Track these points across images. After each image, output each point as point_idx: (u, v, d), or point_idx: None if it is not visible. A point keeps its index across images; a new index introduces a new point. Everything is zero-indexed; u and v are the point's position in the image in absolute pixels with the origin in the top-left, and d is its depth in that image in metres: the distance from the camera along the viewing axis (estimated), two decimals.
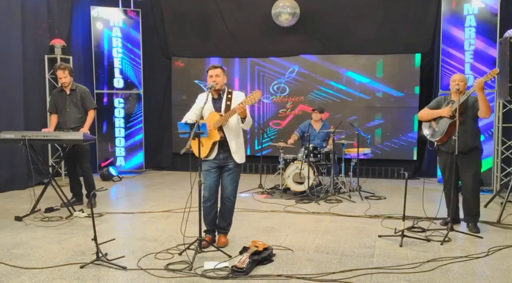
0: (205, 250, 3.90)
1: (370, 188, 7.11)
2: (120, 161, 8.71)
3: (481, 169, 4.79)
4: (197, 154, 3.86)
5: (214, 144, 3.99)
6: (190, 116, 4.06)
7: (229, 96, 4.06)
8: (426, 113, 4.85)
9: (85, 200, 5.90)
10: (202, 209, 3.93)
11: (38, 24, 7.54)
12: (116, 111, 8.66)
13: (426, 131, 4.86)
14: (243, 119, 3.92)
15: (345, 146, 6.94)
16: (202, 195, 3.89)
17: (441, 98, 4.88)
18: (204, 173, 4.02)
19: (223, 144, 4.01)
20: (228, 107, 3.98)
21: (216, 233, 4.24)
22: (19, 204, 5.83)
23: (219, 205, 4.20)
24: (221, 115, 3.93)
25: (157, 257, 3.80)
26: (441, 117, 4.69)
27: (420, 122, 5.55)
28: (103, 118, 8.57)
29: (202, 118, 3.88)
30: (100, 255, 3.61)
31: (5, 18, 6.73)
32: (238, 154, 4.05)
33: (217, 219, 4.19)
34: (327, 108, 8.30)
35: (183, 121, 3.91)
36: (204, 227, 4.07)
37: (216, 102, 4.06)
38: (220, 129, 3.97)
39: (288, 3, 8.14)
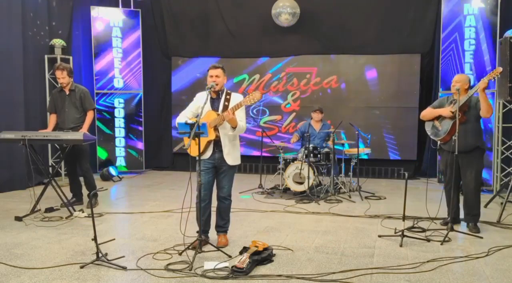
0: (204, 250, 3.90)
1: (370, 188, 7.11)
2: (120, 161, 8.71)
3: (482, 169, 4.79)
4: (194, 154, 3.86)
5: (209, 143, 3.98)
6: (187, 114, 4.06)
7: (228, 96, 4.06)
8: (428, 112, 4.86)
9: (85, 200, 5.90)
10: (199, 209, 3.94)
11: (38, 24, 7.55)
12: (116, 111, 8.66)
13: (429, 130, 4.87)
14: (233, 128, 3.92)
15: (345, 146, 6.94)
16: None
17: (444, 98, 4.89)
18: (200, 172, 4.01)
19: (218, 144, 4.01)
20: (226, 107, 3.98)
21: (216, 233, 4.24)
22: (19, 204, 5.83)
23: (213, 205, 4.19)
24: (218, 114, 3.94)
25: (157, 257, 3.80)
26: (444, 117, 4.70)
27: (421, 122, 5.55)
28: (103, 118, 8.59)
29: (197, 116, 3.89)
30: (100, 255, 3.61)
31: (5, 18, 6.73)
32: (231, 156, 4.04)
33: (210, 220, 4.19)
34: (327, 108, 8.32)
35: (182, 120, 3.92)
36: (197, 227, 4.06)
37: (214, 102, 4.07)
38: (216, 128, 3.97)
39: (288, 3, 8.14)
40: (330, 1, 8.43)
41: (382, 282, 3.32)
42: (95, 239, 3.60)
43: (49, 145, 7.70)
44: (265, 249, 3.73)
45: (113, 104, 8.63)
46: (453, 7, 7.32)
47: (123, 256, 3.80)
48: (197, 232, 3.92)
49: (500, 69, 4.53)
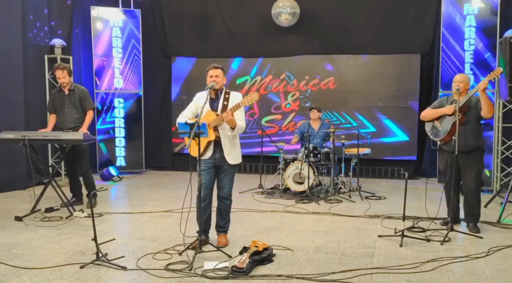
0: (204, 250, 3.90)
1: (370, 188, 7.11)
2: (120, 161, 8.71)
3: (482, 169, 4.78)
4: (195, 154, 3.86)
5: (209, 143, 3.98)
6: (187, 115, 4.07)
7: (227, 96, 4.06)
8: (429, 112, 4.85)
9: (85, 200, 5.90)
10: (199, 209, 3.94)
11: (38, 24, 7.55)
12: (116, 111, 8.66)
13: (429, 131, 4.86)
14: (232, 128, 3.93)
15: (345, 146, 6.94)
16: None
17: (444, 98, 4.88)
18: (201, 172, 4.01)
19: (218, 144, 4.01)
20: (225, 107, 3.98)
21: (216, 233, 4.24)
22: (19, 204, 5.83)
23: (213, 205, 4.19)
24: (217, 115, 3.94)
25: (157, 257, 3.80)
26: (444, 117, 4.69)
27: (421, 122, 5.55)
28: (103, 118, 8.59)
29: (197, 116, 3.89)
30: (100, 255, 3.61)
31: (5, 18, 6.73)
32: (232, 156, 4.05)
33: (210, 220, 4.19)
34: (327, 108, 8.33)
35: (182, 120, 3.92)
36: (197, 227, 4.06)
37: (214, 101, 4.07)
38: (216, 129, 3.97)
39: (288, 3, 8.14)
40: (330, 1, 8.43)
41: (382, 282, 3.32)
42: (95, 239, 3.60)
43: (49, 145, 7.70)
44: (265, 249, 3.73)
45: (114, 124, 8.69)
46: (453, 7, 7.32)
47: (123, 256, 3.80)
48: (197, 232, 3.92)
49: (501, 69, 4.52)
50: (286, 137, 8.46)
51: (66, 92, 5.70)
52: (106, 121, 8.61)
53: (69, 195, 5.80)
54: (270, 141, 7.48)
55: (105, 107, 8.57)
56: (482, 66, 7.11)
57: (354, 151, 6.94)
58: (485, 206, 5.75)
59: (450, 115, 4.63)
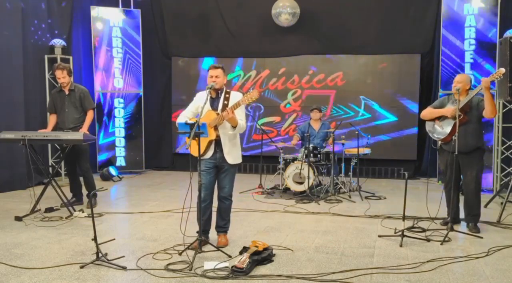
0: (204, 250, 3.90)
1: (370, 188, 7.11)
2: (120, 161, 8.71)
3: (482, 170, 4.78)
4: (195, 154, 3.86)
5: (210, 143, 3.99)
6: (188, 115, 4.07)
7: (227, 95, 4.07)
8: (429, 112, 4.84)
9: (85, 200, 5.90)
10: (199, 209, 3.94)
11: (38, 24, 7.55)
12: (116, 111, 8.66)
13: (430, 130, 4.85)
14: (233, 127, 3.93)
15: (345, 146, 6.94)
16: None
17: (445, 97, 4.87)
18: (201, 172, 4.01)
19: (219, 143, 4.01)
20: (225, 106, 3.97)
21: (216, 233, 4.25)
22: (19, 204, 5.83)
23: (214, 205, 4.19)
24: (217, 114, 3.94)
25: (157, 257, 3.80)
26: (445, 117, 4.69)
27: (421, 122, 5.54)
28: (103, 118, 8.59)
29: (197, 116, 3.90)
30: (100, 255, 3.61)
31: (5, 18, 6.73)
32: (231, 155, 4.05)
33: (210, 220, 4.19)
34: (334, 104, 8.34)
35: (182, 120, 3.92)
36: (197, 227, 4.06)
37: (214, 101, 4.07)
38: (216, 128, 3.97)
39: (288, 3, 8.14)
40: (330, 1, 8.44)
41: (382, 282, 3.32)
42: (95, 239, 3.60)
43: (49, 145, 7.69)
44: (265, 249, 3.73)
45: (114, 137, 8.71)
46: (452, 7, 7.32)
47: (123, 256, 3.80)
48: (197, 232, 3.92)
49: (503, 70, 4.43)
50: (287, 143, 8.37)
51: (66, 92, 5.70)
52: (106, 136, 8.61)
53: (69, 195, 5.80)
54: (271, 141, 7.45)
55: (105, 111, 8.57)
56: (482, 66, 7.11)
57: (354, 151, 6.94)
58: (485, 206, 5.75)
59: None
